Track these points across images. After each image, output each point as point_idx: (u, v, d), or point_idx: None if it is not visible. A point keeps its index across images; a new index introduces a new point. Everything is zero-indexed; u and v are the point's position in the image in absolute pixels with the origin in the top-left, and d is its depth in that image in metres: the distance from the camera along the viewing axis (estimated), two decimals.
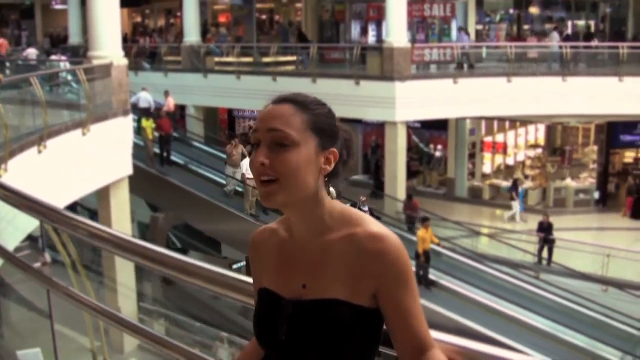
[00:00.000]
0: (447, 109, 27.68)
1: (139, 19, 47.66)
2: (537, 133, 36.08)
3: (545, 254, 24.18)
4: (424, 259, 20.18)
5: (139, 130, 24.50)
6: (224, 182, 23.32)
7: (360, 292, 2.10)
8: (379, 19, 34.45)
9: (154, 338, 3.32)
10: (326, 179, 2.16)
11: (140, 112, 25.30)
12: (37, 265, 3.87)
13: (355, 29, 37.77)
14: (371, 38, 36.00)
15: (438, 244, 21.98)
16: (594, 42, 30.69)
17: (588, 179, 32.24)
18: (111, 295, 17.46)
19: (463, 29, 32.38)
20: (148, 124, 24.19)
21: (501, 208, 31.38)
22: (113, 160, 17.82)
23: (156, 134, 24.58)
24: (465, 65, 29.15)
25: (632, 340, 19.22)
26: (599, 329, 19.28)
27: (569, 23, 35.82)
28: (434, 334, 2.19)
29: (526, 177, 33.20)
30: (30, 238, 14.20)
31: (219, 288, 2.89)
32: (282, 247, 2.26)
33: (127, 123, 18.80)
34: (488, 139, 34.49)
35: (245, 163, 21.48)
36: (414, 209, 25.00)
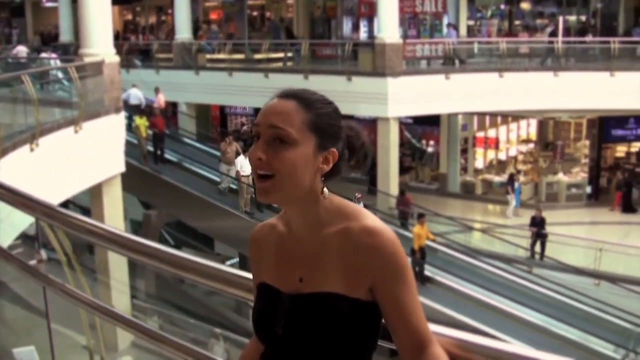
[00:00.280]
0: (439, 105, 27.68)
1: (130, 17, 47.54)
2: (529, 128, 36.11)
3: (538, 248, 24.22)
4: (420, 255, 20.20)
5: (130, 127, 24.47)
6: (218, 179, 23.29)
7: (356, 286, 2.10)
8: (370, 15, 34.47)
9: (151, 334, 3.32)
10: (323, 178, 2.16)
11: (131, 109, 25.24)
12: (33, 262, 3.87)
13: (347, 25, 37.75)
14: (363, 34, 36.03)
15: (434, 240, 21.98)
16: (589, 37, 30.71)
17: (580, 174, 32.29)
18: (104, 293, 17.45)
19: (452, 25, 32.38)
20: (142, 122, 24.14)
21: (494, 203, 31.46)
22: (105, 157, 17.79)
23: (150, 131, 24.52)
24: (457, 61, 29.17)
25: (625, 334, 19.27)
26: (592, 323, 19.31)
27: (560, 18, 35.80)
28: (433, 327, 2.20)
29: (518, 172, 33.22)
30: (23, 236, 14.19)
31: (218, 284, 2.89)
32: (281, 242, 2.27)
33: (119, 120, 18.77)
34: (480, 134, 34.53)
35: (240, 160, 21.46)
36: (407, 205, 25.03)
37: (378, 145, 27.38)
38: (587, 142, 33.51)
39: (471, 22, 37.38)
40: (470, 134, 33.87)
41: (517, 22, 39.00)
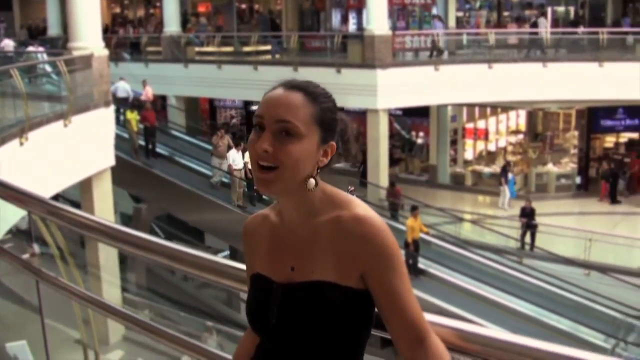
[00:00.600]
0: (429, 96, 27.69)
1: (118, 10, 47.40)
2: (518, 119, 36.17)
3: (528, 239, 24.27)
4: (414, 248, 20.22)
5: (123, 122, 24.43)
6: (209, 173, 23.27)
7: (347, 274, 2.10)
8: (359, 7, 34.46)
9: (147, 326, 3.32)
10: (319, 170, 2.17)
11: (119, 102, 25.16)
12: (25, 256, 3.86)
13: (335, 17, 37.70)
14: (352, 26, 36.03)
15: (427, 233, 21.99)
16: (580, 29, 30.75)
17: (569, 164, 32.38)
18: (95, 287, 17.42)
19: (437, 16, 32.41)
20: (133, 116, 24.08)
21: (484, 194, 31.52)
22: (95, 151, 17.75)
23: (141, 125, 24.46)
24: (445, 52, 29.21)
25: (615, 323, 19.35)
26: (582, 313, 19.39)
27: (549, 9, 35.88)
28: (432, 318, 2.20)
29: (508, 163, 33.28)
30: (14, 231, 14.16)
31: (213, 275, 2.89)
32: (273, 232, 2.27)
33: (108, 114, 18.72)
34: (470, 125, 34.59)
35: (232, 154, 21.42)
36: (397, 197, 25.04)
37: (368, 137, 27.39)
38: (576, 133, 33.58)
39: (460, 14, 37.39)
40: (460, 125, 33.92)
41: (505, 14, 39.05)
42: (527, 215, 24.35)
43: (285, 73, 26.15)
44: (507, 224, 25.37)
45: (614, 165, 30.75)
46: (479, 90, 27.29)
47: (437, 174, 32.99)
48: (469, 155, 34.44)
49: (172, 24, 32.72)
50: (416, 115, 33.45)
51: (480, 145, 35.11)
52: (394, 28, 29.86)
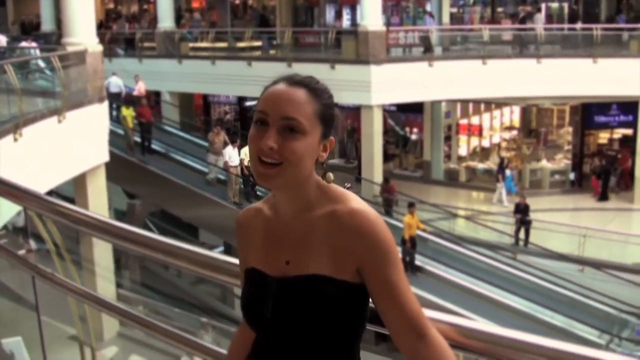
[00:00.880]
0: (423, 92, 27.72)
1: (111, 5, 47.31)
2: (512, 115, 36.17)
3: (522, 235, 24.30)
4: (410, 244, 20.22)
5: (116, 118, 24.37)
6: (204, 169, 23.25)
7: (343, 268, 2.11)
8: (353, 3, 34.42)
9: (144, 322, 3.31)
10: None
11: (111, 97, 25.11)
12: (21, 252, 3.85)
13: (329, 13, 37.69)
14: (346, 22, 35.99)
15: (424, 230, 21.99)
16: (579, 24, 30.76)
17: (563, 161, 32.42)
18: (89, 283, 17.40)
19: (428, 12, 32.44)
20: (128, 112, 24.02)
21: (478, 190, 31.54)
22: (89, 147, 17.72)
23: (136, 122, 24.41)
24: (439, 48, 29.24)
25: (609, 319, 19.41)
26: (576, 309, 19.44)
27: (543, 5, 35.88)
28: (432, 314, 2.20)
29: (502, 159, 33.32)
30: (7, 228, 14.14)
31: (209, 271, 2.89)
32: (267, 226, 2.27)
33: (103, 110, 18.69)
34: (464, 121, 34.58)
35: (228, 151, 21.39)
36: (391, 192, 25.05)
37: (362, 133, 27.44)
38: (570, 129, 33.62)
39: (454, 10, 37.39)
40: (454, 121, 33.94)
41: (499, 10, 39.05)
42: (521, 211, 24.40)
43: (279, 69, 25.95)
44: (501, 220, 25.40)
45: (605, 162, 30.78)
46: (473, 86, 27.32)
47: (431, 170, 33.00)
48: (463, 151, 34.45)
49: (166, 20, 32.67)
50: (410, 111, 33.46)
51: (474, 141, 35.10)
52: (387, 24, 29.84)
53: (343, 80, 25.45)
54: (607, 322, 19.29)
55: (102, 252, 17.42)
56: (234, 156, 21.06)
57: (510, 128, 36.35)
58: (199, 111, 38.74)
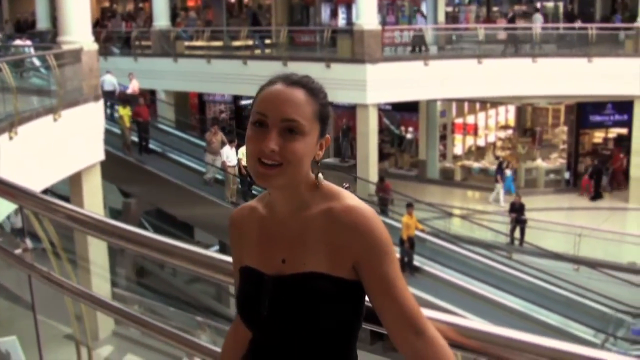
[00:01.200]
0: (418, 91, 27.74)
1: (107, 4, 47.25)
2: (508, 114, 36.22)
3: (517, 234, 24.32)
4: (409, 245, 20.21)
5: (109, 116, 24.32)
6: (201, 169, 23.23)
7: (339, 265, 2.11)
8: (348, 1, 34.48)
9: (140, 321, 3.31)
10: (318, 163, 2.19)
11: (105, 95, 25.08)
12: (18, 251, 3.85)
13: (325, 12, 37.72)
14: (341, 21, 36.04)
15: (422, 230, 21.97)
16: (578, 24, 30.78)
17: (558, 160, 32.47)
18: (84, 282, 17.38)
19: (419, 11, 32.48)
20: (125, 111, 23.97)
21: (473, 189, 31.58)
22: (85, 146, 17.69)
23: (133, 121, 24.36)
24: (434, 47, 29.29)
25: (604, 319, 19.43)
26: (572, 308, 19.46)
27: (538, 4, 35.95)
28: (430, 313, 2.19)
29: (497, 158, 33.35)
30: (2, 226, 14.12)
31: (206, 270, 2.88)
32: (262, 225, 2.27)
33: (98, 108, 18.67)
34: (459, 120, 34.64)
35: (226, 151, 21.36)
36: (387, 191, 25.06)
37: (357, 132, 27.45)
38: (565, 128, 33.68)
39: (449, 9, 37.43)
40: (449, 120, 33.98)
41: (495, 9, 39.09)
42: (517, 210, 24.41)
43: (274, 68, 26.00)
44: (496, 219, 25.42)
45: (597, 161, 30.82)
46: (469, 85, 27.35)
47: (427, 169, 33.03)
48: (458, 150, 34.49)
49: (161, 18, 32.66)
50: (405, 110, 33.49)
51: (470, 140, 35.14)
52: (383, 23, 29.87)
53: (338, 79, 25.46)
54: (602, 321, 19.32)
55: (96, 250, 17.40)
56: (232, 156, 21.04)
57: (505, 127, 36.39)
58: (194, 110, 38.72)
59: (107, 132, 20.21)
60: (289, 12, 38.80)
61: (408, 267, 19.93)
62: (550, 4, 37.04)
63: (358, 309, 2.18)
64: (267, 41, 32.65)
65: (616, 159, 30.99)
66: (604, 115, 32.08)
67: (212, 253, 2.91)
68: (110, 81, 26.52)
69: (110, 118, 24.37)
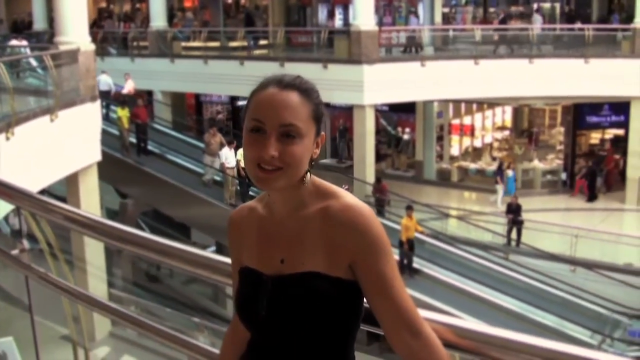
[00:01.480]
0: (415, 92, 27.76)
1: (104, 4, 47.20)
2: (504, 115, 36.24)
3: (514, 235, 24.33)
4: (408, 247, 20.20)
5: (107, 116, 24.29)
6: (198, 170, 23.19)
7: (336, 264, 2.11)
8: (345, 2, 34.44)
9: (138, 322, 3.31)
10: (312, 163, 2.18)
11: (100, 95, 25.02)
12: (15, 252, 3.85)
13: (322, 13, 37.67)
14: (338, 21, 36.00)
15: (422, 232, 21.95)
16: (578, 24, 30.79)
17: (555, 161, 32.49)
18: (81, 283, 17.36)
19: (412, 12, 32.50)
20: (124, 113, 23.93)
21: (469, 190, 31.59)
22: (82, 146, 17.68)
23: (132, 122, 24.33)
24: (431, 48, 29.33)
25: (601, 320, 19.45)
26: (568, 309, 19.48)
27: (535, 5, 35.97)
28: (426, 314, 2.19)
29: (494, 159, 33.37)
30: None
31: (205, 271, 2.89)
32: (261, 225, 2.27)
33: (95, 109, 18.65)
34: (456, 121, 34.63)
35: (225, 152, 21.32)
36: (383, 192, 25.06)
37: (354, 132, 27.45)
38: (562, 129, 33.70)
39: (446, 10, 37.44)
40: (446, 121, 33.99)
41: (491, 10, 39.10)
42: (513, 211, 24.42)
43: (271, 68, 26.05)
44: (493, 220, 25.43)
45: (592, 163, 30.82)
46: (465, 86, 27.36)
47: (423, 170, 33.03)
48: (455, 151, 34.49)
49: (158, 19, 32.63)
50: (402, 111, 33.50)
51: (466, 141, 35.15)
52: (380, 24, 29.86)
53: (335, 79, 25.48)
54: (599, 322, 19.35)
55: (93, 251, 17.39)
56: (231, 157, 20.99)
57: (502, 128, 36.41)
58: (191, 111, 38.69)
59: (103, 133, 20.18)
60: (286, 12, 38.79)
61: (408, 269, 19.92)
62: (547, 5, 37.04)
63: (356, 309, 2.17)
64: (264, 42, 32.64)
65: (610, 160, 31.02)
66: (601, 116, 32.09)
67: (210, 254, 2.91)
68: (105, 81, 26.47)
69: (106, 118, 24.32)
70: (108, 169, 19.99)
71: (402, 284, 2.12)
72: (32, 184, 13.71)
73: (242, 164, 18.93)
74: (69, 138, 16.86)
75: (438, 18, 34.15)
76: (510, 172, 29.39)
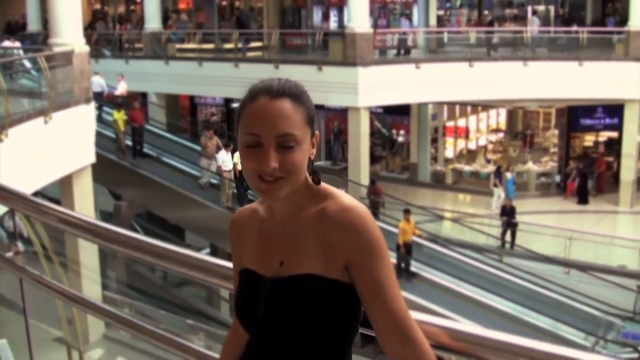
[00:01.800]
0: (410, 94, 27.77)
1: (98, 6, 47.15)
2: (499, 117, 36.31)
3: (508, 237, 24.34)
4: (405, 250, 20.19)
5: (100, 118, 24.23)
6: (193, 172, 23.16)
7: (333, 266, 2.10)
8: (340, 4, 34.49)
9: (133, 325, 3.30)
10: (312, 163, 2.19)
11: (93, 97, 24.97)
12: (9, 254, 3.84)
13: (317, 15, 37.69)
14: (333, 24, 36.03)
15: (420, 236, 21.93)
16: (574, 27, 30.82)
17: (549, 163, 32.54)
18: (75, 285, 17.33)
19: (404, 14, 32.53)
20: (120, 115, 23.87)
21: (464, 192, 31.61)
22: (76, 148, 17.65)
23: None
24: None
25: (595, 321, 19.47)
26: (562, 311, 19.49)
27: (529, 8, 36.03)
28: (422, 317, 2.19)
29: (488, 161, 33.41)
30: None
31: (199, 273, 2.88)
32: (262, 227, 2.27)
33: (89, 111, 18.63)
34: (450, 123, 34.69)
35: (221, 155, 21.26)
36: (378, 194, 25.06)
37: (349, 135, 27.46)
38: (556, 132, 33.78)
39: (441, 12, 37.47)
40: (440, 123, 34.02)
41: (486, 12, 39.15)
42: (508, 213, 24.42)
43: (266, 70, 26.29)
44: (488, 222, 25.45)
45: (582, 165, 30.86)
46: (460, 88, 27.39)
47: (418, 172, 33.04)
48: (449, 153, 34.55)
49: (153, 21, 32.62)
50: (397, 113, 33.53)
51: (461, 143, 35.20)
52: (375, 26, 29.88)
53: (330, 82, 25.49)
54: (592, 324, 19.37)
55: (87, 253, 17.36)
56: (227, 160, 20.93)
57: (496, 130, 36.48)
58: (185, 112, 38.66)
59: (97, 135, 20.14)
60: (280, 14, 38.79)
61: (405, 272, 19.92)
62: (541, 8, 37.11)
63: (354, 312, 2.17)
64: (259, 44, 32.61)
65: (601, 162, 31.08)
66: (595, 119, 32.17)
67: (204, 256, 2.91)
68: (98, 82, 26.39)
69: (99, 120, 24.26)
70: (102, 171, 19.95)
71: (397, 289, 2.11)
72: (26, 186, 13.69)
73: (239, 167, 18.91)
74: (63, 140, 16.84)
75: (433, 20, 34.17)
76: (509, 175, 29.34)
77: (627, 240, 23.08)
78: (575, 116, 32.24)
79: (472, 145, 35.57)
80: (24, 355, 4.20)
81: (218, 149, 21.98)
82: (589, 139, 33.56)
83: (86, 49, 18.70)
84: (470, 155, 34.78)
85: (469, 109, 34.69)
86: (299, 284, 2.12)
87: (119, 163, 23.45)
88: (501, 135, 36.12)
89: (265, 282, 2.18)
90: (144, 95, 32.78)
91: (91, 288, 17.25)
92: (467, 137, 35.28)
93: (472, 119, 35.39)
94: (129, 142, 24.40)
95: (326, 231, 2.11)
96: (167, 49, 31.63)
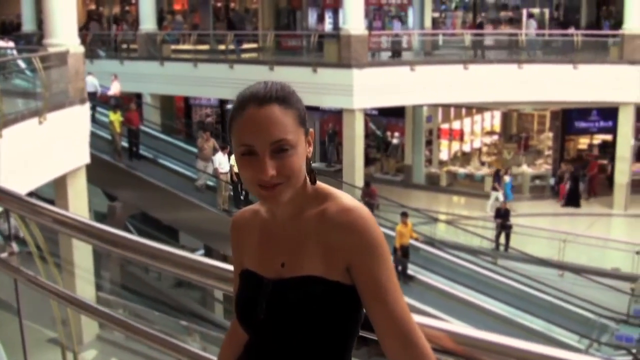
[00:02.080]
0: (405, 96, 27.78)
1: (93, 7, 47.09)
2: (493, 120, 36.36)
3: (502, 239, 24.35)
4: (402, 254, 20.18)
5: (93, 118, 24.19)
6: (188, 173, 23.12)
7: (334, 267, 2.10)
8: (335, 6, 34.55)
9: (128, 326, 3.30)
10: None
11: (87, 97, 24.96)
12: (4, 255, 3.83)
13: (312, 17, 37.73)
14: (328, 25, 36.06)
15: (417, 239, 21.91)
16: (571, 30, 30.83)
17: (544, 166, 32.58)
18: (69, 286, 17.30)
19: (396, 16, 32.58)
20: (116, 117, 23.83)
21: (458, 195, 31.65)
22: (70, 149, 17.62)
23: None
24: (417, 52, 29.44)
25: (588, 324, 19.49)
26: (556, 313, 19.50)
27: (524, 11, 36.09)
28: (424, 320, 2.19)
29: (483, 164, 33.44)
30: None
31: (195, 275, 2.88)
32: (264, 228, 2.26)
33: (84, 111, 18.59)
34: (445, 126, 34.74)
35: (218, 157, 21.21)
36: (372, 196, 25.06)
37: (344, 136, 27.45)
38: (551, 134, 33.82)
39: (436, 14, 37.52)
40: (435, 125, 34.05)
41: (483, 14, 39.22)
42: (502, 216, 24.44)
43: (261, 72, 26.28)
44: (483, 224, 25.48)
45: (574, 168, 30.89)
46: (455, 91, 27.40)
47: (412, 174, 33.07)
48: (444, 155, 34.58)
49: (148, 22, 32.57)
50: (392, 115, 33.55)
51: (455, 145, 35.25)
52: (370, 28, 29.90)
53: (325, 83, 25.50)
54: (586, 326, 19.39)
55: (81, 254, 17.32)
56: (224, 163, 20.87)
57: (491, 133, 36.52)
58: (180, 114, 38.63)
59: (91, 135, 20.11)
60: (275, 16, 38.81)
61: (402, 275, 19.91)
62: (536, 11, 37.18)
63: (355, 315, 2.16)
64: (254, 45, 32.62)
65: (593, 165, 31.12)
66: (589, 122, 32.26)
67: (199, 257, 2.90)
68: (92, 82, 26.31)
69: (92, 120, 24.23)
70: (97, 171, 19.91)
71: (399, 291, 2.11)
72: (20, 186, 13.66)
73: (235, 169, 18.86)
74: (57, 140, 16.80)
75: (428, 23, 34.21)
76: (507, 178, 29.32)
77: (621, 243, 23.12)
78: (569, 119, 32.32)
79: (466, 148, 35.64)
80: (18, 356, 4.19)
81: (215, 151, 21.93)
82: (583, 142, 33.65)
83: (81, 49, 18.66)
84: (464, 158, 34.83)
85: (463, 111, 34.75)
86: (301, 285, 2.11)
87: (115, 164, 23.41)
88: (496, 137, 36.16)
89: (266, 283, 2.18)
90: (138, 96, 32.78)
91: (85, 289, 17.22)
92: (461, 139, 35.33)
93: (467, 121, 35.46)
94: (124, 144, 24.35)
95: (327, 233, 2.10)
96: (162, 50, 31.58)
